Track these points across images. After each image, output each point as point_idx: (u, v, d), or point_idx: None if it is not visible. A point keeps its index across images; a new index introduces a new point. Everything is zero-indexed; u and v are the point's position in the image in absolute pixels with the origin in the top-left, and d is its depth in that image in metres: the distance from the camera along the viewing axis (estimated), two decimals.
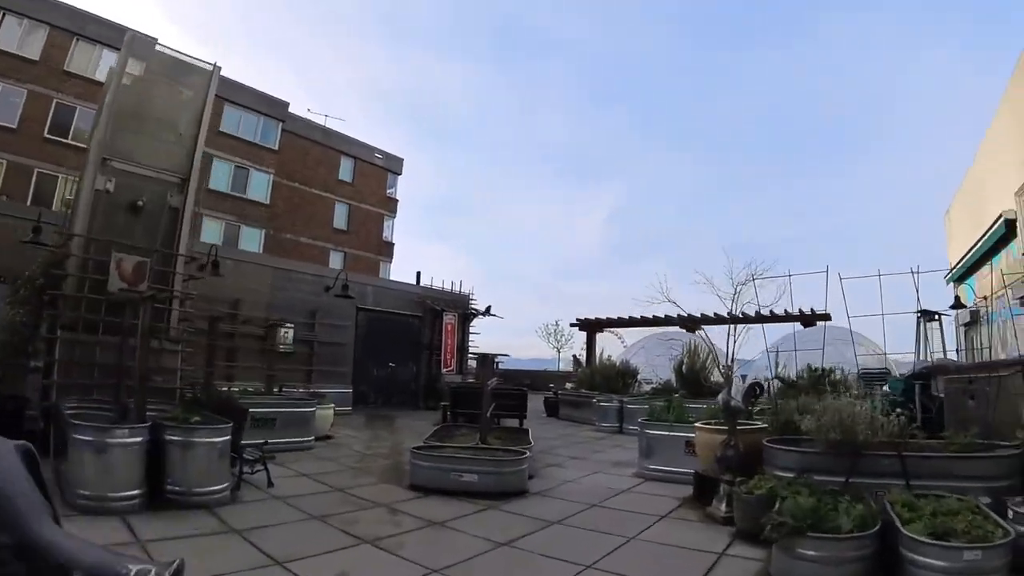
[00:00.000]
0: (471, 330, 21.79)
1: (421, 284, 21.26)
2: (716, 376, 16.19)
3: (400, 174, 41.54)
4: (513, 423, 11.29)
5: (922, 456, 5.59)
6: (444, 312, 20.14)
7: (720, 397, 6.57)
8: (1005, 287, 13.83)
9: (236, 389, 10.78)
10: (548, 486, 7.52)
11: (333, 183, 36.58)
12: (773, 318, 26.42)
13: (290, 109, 33.50)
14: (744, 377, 6.62)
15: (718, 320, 27.50)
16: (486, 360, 9.19)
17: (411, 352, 20.00)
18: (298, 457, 9.10)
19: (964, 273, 20.05)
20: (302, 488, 7.04)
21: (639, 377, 17.34)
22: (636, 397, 14.91)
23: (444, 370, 20.11)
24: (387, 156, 40.44)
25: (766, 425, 7.09)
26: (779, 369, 11.74)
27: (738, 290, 7.97)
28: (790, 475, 5.63)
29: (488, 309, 21.68)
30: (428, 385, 19.64)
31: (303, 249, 32.70)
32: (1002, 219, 14.78)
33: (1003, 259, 16.24)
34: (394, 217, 40.39)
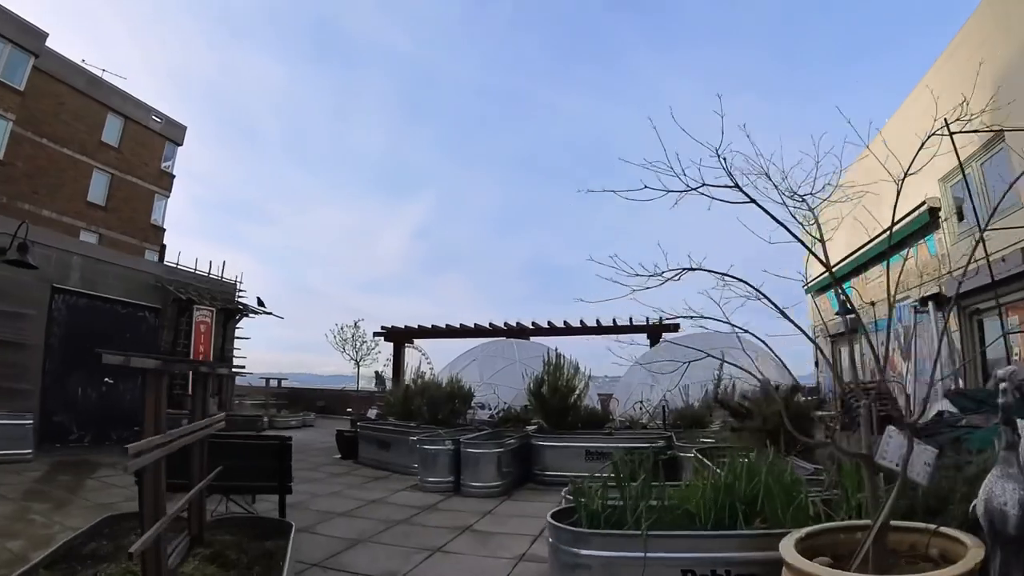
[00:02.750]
0: (237, 333, 15.82)
1: (165, 262, 14.78)
2: (592, 402, 12.04)
3: (181, 144, 33.83)
4: (271, 500, 6.04)
5: None
6: (196, 305, 14.07)
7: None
8: (936, 280, 11.02)
9: None
10: None
11: (94, 145, 28.19)
12: (616, 329, 23.17)
13: (52, 45, 25.25)
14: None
15: (552, 330, 23.73)
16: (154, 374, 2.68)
17: None
18: None
19: (834, 280, 17.75)
20: None
21: (473, 402, 12.57)
22: (477, 435, 10.12)
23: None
24: (167, 121, 32.59)
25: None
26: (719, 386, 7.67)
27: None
28: None
29: (260, 302, 15.85)
30: None
31: (46, 225, 23.92)
32: (925, 207, 12.09)
33: (910, 255, 13.82)
34: (168, 196, 32.47)
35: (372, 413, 13.88)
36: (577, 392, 10.88)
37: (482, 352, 15.46)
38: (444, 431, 10.21)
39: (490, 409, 13.11)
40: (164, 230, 31.83)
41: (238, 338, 15.69)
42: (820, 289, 19.67)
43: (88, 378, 12.73)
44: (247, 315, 15.77)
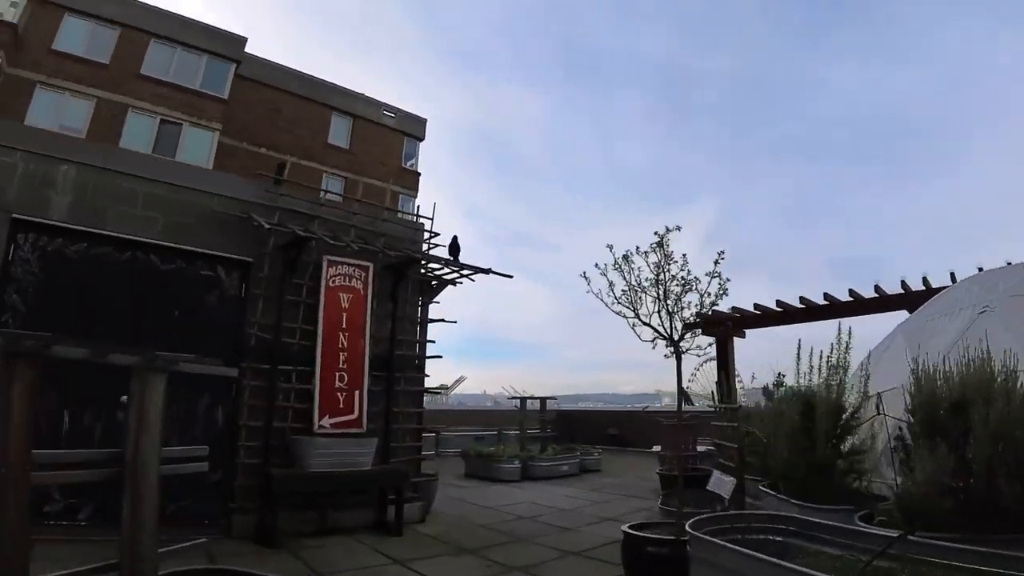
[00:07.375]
0: (431, 315, 8.52)
1: (279, 179, 7.77)
2: None
3: (422, 139, 30.49)
4: None
5: None
6: (327, 256, 7.09)
7: None
8: None
9: None
10: None
11: (319, 148, 25.80)
12: None
13: (257, 53, 24.05)
14: None
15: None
16: None
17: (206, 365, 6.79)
18: None
19: None
20: None
21: None
22: None
23: (326, 421, 6.96)
24: (401, 115, 29.37)
25: None
26: None
27: None
28: None
29: (454, 247, 8.22)
30: (262, 469, 6.45)
31: None
32: None
33: None
34: (414, 197, 28.44)
35: (724, 485, 4.82)
36: None
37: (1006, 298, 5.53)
38: None
39: None
40: None
41: (437, 321, 8.34)
42: None
43: (81, 394, 6.11)
44: (450, 280, 8.38)
